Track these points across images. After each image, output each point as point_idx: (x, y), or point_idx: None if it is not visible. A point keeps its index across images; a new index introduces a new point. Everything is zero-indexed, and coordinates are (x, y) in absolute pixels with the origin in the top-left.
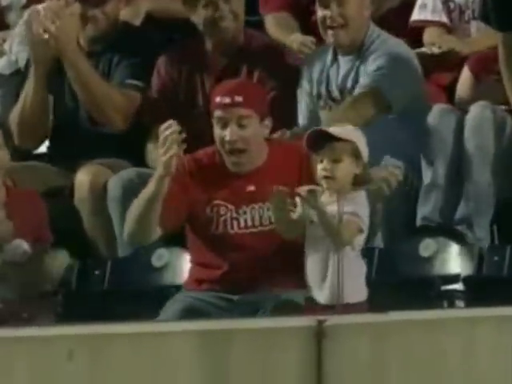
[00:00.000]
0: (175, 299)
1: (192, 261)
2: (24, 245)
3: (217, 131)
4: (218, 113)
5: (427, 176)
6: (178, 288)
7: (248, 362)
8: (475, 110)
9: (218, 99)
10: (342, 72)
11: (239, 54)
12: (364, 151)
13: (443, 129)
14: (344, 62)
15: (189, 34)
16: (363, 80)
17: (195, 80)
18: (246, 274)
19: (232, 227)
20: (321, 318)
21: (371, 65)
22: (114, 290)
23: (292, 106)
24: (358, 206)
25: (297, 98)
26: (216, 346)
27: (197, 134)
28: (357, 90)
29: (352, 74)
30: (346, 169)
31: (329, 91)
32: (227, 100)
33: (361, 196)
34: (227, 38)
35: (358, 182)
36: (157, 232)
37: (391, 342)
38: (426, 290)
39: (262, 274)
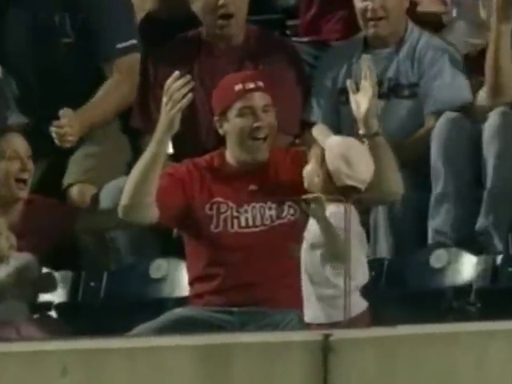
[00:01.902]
0: (172, 312)
1: (190, 278)
2: (30, 259)
3: (237, 121)
4: (240, 103)
5: (437, 187)
6: (177, 300)
7: (251, 379)
8: (495, 118)
9: (238, 87)
10: (378, 65)
11: (241, 51)
12: (329, 161)
13: (453, 138)
14: (380, 55)
15: (188, 29)
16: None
17: (193, 78)
18: (245, 280)
19: (232, 226)
20: (326, 332)
21: (430, 67)
22: (109, 302)
23: (298, 103)
24: (338, 220)
25: (305, 95)
26: (216, 362)
27: (195, 134)
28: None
29: (392, 68)
30: (310, 170)
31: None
32: (251, 85)
33: (340, 209)
34: (229, 33)
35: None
36: (154, 212)
37: (400, 358)
38: (438, 303)
39: (261, 278)
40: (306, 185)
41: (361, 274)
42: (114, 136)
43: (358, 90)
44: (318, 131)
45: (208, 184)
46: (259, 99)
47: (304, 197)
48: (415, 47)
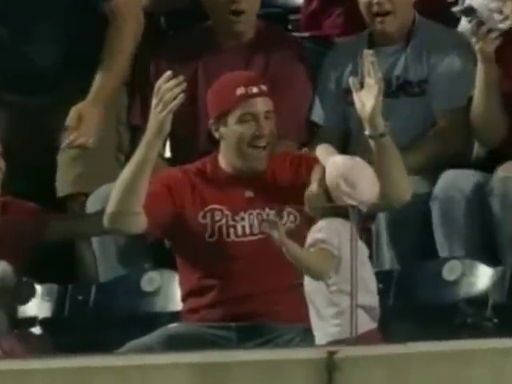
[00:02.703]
0: (165, 327)
1: (183, 291)
2: (6, 268)
3: (237, 128)
4: (242, 108)
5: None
6: (171, 315)
7: None
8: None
9: (240, 90)
10: (385, 63)
11: (249, 48)
12: (329, 181)
13: (455, 196)
14: (386, 52)
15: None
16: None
17: (197, 76)
18: (244, 292)
19: (228, 235)
20: (332, 349)
21: (440, 61)
22: (98, 317)
23: (306, 105)
24: (326, 233)
25: (314, 94)
26: (213, 381)
27: (195, 137)
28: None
29: (400, 64)
30: (311, 190)
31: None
32: (255, 90)
33: (329, 222)
34: (238, 30)
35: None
36: (142, 220)
37: (411, 377)
38: (451, 318)
39: (261, 290)
40: (306, 205)
41: (364, 293)
42: (106, 132)
43: (362, 87)
44: (322, 150)
45: (200, 191)
46: (262, 105)
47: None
48: (423, 41)
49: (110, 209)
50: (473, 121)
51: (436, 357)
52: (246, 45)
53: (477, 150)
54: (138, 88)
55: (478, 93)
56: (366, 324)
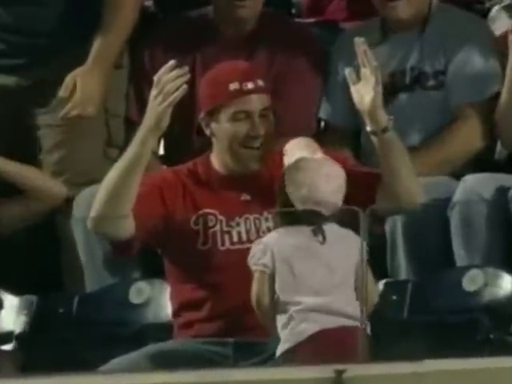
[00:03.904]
0: (155, 344)
1: (174, 304)
2: None
3: (229, 126)
4: (235, 105)
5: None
6: (162, 329)
7: None
8: None
9: (234, 86)
10: (399, 52)
11: (253, 37)
12: (287, 182)
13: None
14: (399, 41)
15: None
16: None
17: (195, 68)
18: (241, 304)
19: (223, 242)
20: (340, 367)
21: (458, 50)
22: (81, 332)
23: (315, 101)
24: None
25: (324, 88)
26: None
27: (191, 134)
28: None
29: (415, 54)
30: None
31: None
32: (250, 85)
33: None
34: (242, 16)
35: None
36: (130, 225)
37: None
38: (472, 333)
39: None
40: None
41: (309, 294)
42: (92, 123)
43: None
44: (292, 145)
45: (192, 194)
46: (257, 103)
47: None
48: (441, 28)
49: (95, 210)
50: (498, 120)
51: (455, 376)
52: (249, 34)
53: (499, 150)
54: (132, 79)
55: (506, 90)
56: (316, 325)
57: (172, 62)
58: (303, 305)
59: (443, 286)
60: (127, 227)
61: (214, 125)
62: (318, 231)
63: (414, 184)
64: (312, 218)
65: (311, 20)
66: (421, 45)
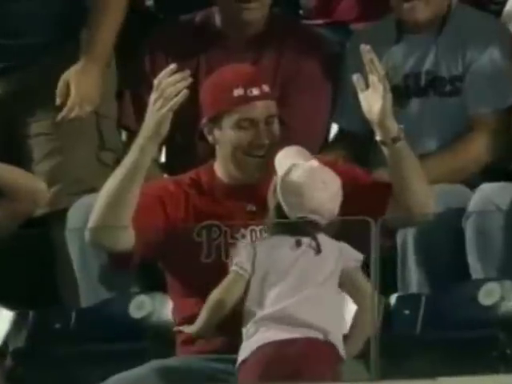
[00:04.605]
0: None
1: (177, 319)
2: None
3: (232, 134)
4: (240, 112)
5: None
6: (163, 345)
7: None
8: None
9: (238, 91)
10: (414, 54)
11: (260, 41)
12: (280, 191)
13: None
14: (415, 42)
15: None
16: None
17: (199, 73)
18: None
19: (227, 255)
20: None
21: (478, 56)
22: (79, 348)
23: (326, 109)
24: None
25: (334, 92)
26: None
27: (194, 140)
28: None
29: (431, 57)
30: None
31: (388, 78)
32: (255, 92)
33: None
34: (249, 19)
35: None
36: (130, 236)
37: None
38: (487, 349)
39: None
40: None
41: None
42: (82, 129)
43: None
44: (283, 154)
45: (195, 205)
46: (262, 110)
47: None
48: (459, 31)
49: (92, 221)
50: None
51: None
52: (256, 37)
53: None
54: (130, 84)
55: None
56: (270, 336)
57: (173, 66)
58: (259, 315)
59: (458, 299)
60: (127, 239)
61: (216, 132)
62: (311, 242)
63: (425, 195)
64: (306, 228)
65: (320, 21)
66: (437, 47)
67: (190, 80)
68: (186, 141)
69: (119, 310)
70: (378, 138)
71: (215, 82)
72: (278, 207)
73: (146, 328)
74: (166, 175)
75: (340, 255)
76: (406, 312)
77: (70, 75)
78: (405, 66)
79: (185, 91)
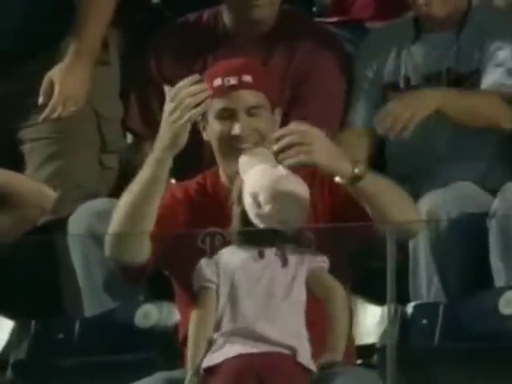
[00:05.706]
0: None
1: (183, 331)
2: None
3: (215, 126)
4: (219, 102)
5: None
6: (170, 357)
7: None
8: None
9: (216, 82)
10: (435, 53)
11: (270, 40)
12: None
13: None
14: (435, 40)
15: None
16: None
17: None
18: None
19: None
20: None
21: (495, 52)
22: (83, 359)
23: (340, 101)
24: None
25: (347, 92)
26: None
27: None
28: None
29: (451, 56)
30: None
31: (407, 78)
32: (233, 81)
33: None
34: (259, 16)
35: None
36: (148, 249)
37: None
38: (509, 360)
39: None
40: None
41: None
42: (82, 130)
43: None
44: (246, 158)
45: (200, 211)
46: (244, 99)
47: None
48: (480, 29)
49: (110, 242)
50: None
51: None
52: (266, 35)
53: None
54: (135, 85)
55: None
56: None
57: (196, 76)
58: (228, 328)
59: (477, 308)
60: (145, 252)
61: (206, 127)
62: (276, 252)
63: (409, 221)
64: (272, 238)
65: (334, 19)
66: (458, 45)
67: (209, 92)
68: (193, 144)
69: (125, 320)
70: (336, 179)
71: (206, 75)
72: (243, 214)
73: (152, 338)
74: (173, 181)
75: (303, 260)
76: (424, 321)
77: (55, 73)
78: (425, 65)
79: (204, 105)
